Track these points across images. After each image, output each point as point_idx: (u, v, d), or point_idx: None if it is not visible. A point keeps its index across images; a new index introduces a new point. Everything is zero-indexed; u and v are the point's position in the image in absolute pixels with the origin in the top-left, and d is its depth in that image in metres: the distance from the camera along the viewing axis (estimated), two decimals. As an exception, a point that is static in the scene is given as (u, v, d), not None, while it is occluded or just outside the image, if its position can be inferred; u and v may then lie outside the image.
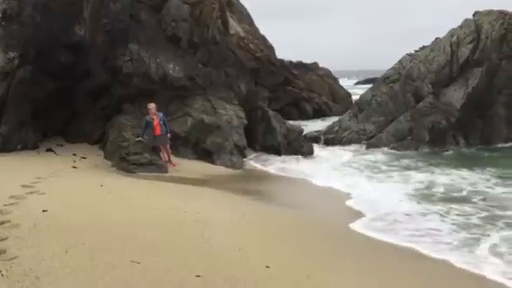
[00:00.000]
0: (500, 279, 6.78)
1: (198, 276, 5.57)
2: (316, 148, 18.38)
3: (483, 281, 6.82)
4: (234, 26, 24.09)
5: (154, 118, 13.34)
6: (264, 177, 13.93)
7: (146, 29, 15.56)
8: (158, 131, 13.33)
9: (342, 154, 18.04)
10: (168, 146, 13.64)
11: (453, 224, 9.25)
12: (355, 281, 6.47)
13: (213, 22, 16.89)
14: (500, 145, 19.28)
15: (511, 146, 19.23)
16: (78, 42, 14.69)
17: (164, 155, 13.55)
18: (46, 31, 13.92)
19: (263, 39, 28.31)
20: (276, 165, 15.46)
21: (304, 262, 6.87)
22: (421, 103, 20.01)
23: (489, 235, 8.55)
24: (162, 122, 13.38)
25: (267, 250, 7.08)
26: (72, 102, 14.95)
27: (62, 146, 14.50)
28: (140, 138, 13.32)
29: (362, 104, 22.15)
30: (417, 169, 15.14)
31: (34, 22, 13.86)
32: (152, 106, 13.42)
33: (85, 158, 13.47)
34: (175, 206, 9.16)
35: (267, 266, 6.26)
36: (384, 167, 15.58)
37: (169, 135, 13.56)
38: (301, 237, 8.20)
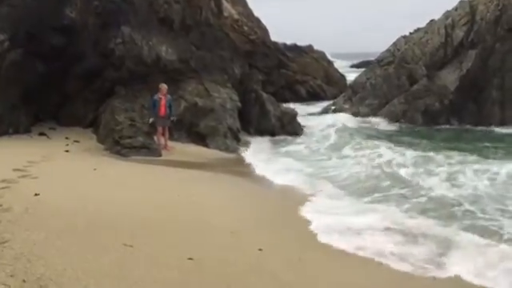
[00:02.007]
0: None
1: (191, 259, 5.59)
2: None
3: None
4: (228, 9, 23.82)
5: (162, 98, 13.47)
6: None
7: (137, 11, 15.36)
8: (162, 112, 13.48)
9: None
10: (167, 128, 13.71)
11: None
12: (344, 258, 6.53)
13: (206, 4, 16.70)
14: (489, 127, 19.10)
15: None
16: (69, 24, 14.49)
17: (159, 138, 13.51)
18: (36, 13, 13.71)
19: (257, 21, 28.02)
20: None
21: (296, 244, 6.91)
22: (415, 86, 20.01)
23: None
24: (168, 105, 13.52)
25: (260, 232, 7.11)
26: (64, 85, 14.80)
27: (54, 129, 14.40)
28: (152, 119, 13.48)
29: (357, 87, 22.13)
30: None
31: (25, 3, 13.64)
32: (164, 86, 13.59)
33: (77, 141, 13.39)
34: (168, 189, 9.17)
35: (260, 249, 6.29)
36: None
37: (173, 118, 13.70)
38: (294, 219, 8.23)
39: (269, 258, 6.13)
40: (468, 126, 18.95)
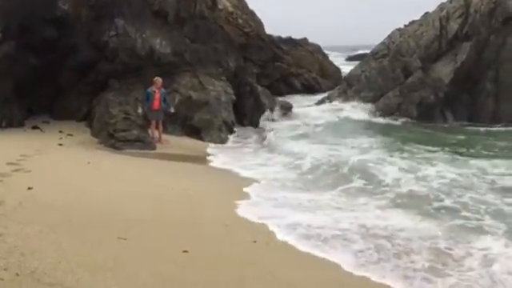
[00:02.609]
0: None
1: (186, 251, 5.58)
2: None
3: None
4: (223, 1, 23.67)
5: (156, 91, 13.42)
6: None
7: (131, 3, 15.25)
8: (156, 105, 13.45)
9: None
10: (161, 122, 13.67)
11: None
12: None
13: (200, -4, 16.61)
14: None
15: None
16: (62, 16, 14.37)
17: (153, 131, 13.48)
18: (29, 5, 13.58)
19: (252, 14, 27.88)
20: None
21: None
22: (410, 78, 19.97)
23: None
24: (162, 98, 13.49)
25: (254, 225, 7.10)
26: (57, 78, 14.71)
27: (47, 123, 14.31)
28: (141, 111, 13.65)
29: (352, 79, 22.09)
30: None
31: (17, -4, 13.50)
32: (159, 80, 13.56)
33: (71, 135, 13.32)
34: (163, 182, 9.14)
35: (254, 241, 6.29)
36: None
37: (172, 110, 13.75)
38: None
39: (263, 250, 6.14)
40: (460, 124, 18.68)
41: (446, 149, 12.86)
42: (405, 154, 12.02)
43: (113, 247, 5.43)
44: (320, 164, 10.87)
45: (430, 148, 12.91)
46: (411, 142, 13.66)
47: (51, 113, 14.84)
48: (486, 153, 12.46)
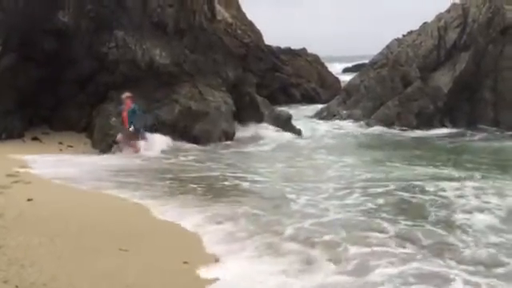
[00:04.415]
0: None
1: (186, 263, 5.57)
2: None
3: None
4: (222, 12, 23.83)
5: (125, 108, 12.70)
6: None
7: (131, 15, 15.32)
8: (125, 123, 12.70)
9: None
10: (136, 142, 12.66)
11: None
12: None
13: (199, 8, 16.69)
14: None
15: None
16: (62, 28, 14.43)
17: (125, 146, 12.69)
18: (28, 17, 13.65)
19: (250, 25, 28.09)
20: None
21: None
22: (409, 88, 20.05)
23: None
24: (130, 115, 12.57)
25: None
26: (57, 89, 14.73)
27: (47, 134, 14.32)
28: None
29: (351, 89, 22.16)
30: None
31: (17, 7, 13.57)
32: (124, 95, 12.71)
33: (71, 146, 13.33)
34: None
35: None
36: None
37: (131, 129, 12.51)
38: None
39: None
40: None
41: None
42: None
43: (114, 259, 5.41)
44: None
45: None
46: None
47: (51, 124, 14.85)
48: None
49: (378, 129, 18.92)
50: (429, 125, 19.30)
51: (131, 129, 12.60)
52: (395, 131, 18.70)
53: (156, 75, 15.20)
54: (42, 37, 14.03)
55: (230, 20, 24.93)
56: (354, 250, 6.11)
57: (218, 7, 22.08)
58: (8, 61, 13.40)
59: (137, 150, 12.73)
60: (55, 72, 14.35)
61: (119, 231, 6.42)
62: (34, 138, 13.74)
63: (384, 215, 7.60)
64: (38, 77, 14.01)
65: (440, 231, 6.90)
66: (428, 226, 7.14)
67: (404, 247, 6.27)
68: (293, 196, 8.64)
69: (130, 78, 14.90)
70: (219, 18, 21.31)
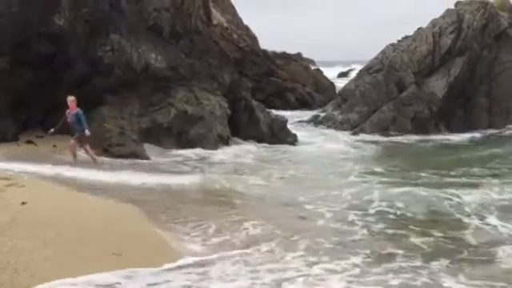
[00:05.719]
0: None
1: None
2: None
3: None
4: (218, 17, 23.90)
5: (69, 112, 12.26)
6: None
7: (127, 18, 15.29)
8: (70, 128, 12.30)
9: None
10: (86, 145, 12.20)
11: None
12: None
13: (195, 12, 16.70)
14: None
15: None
16: (57, 31, 14.38)
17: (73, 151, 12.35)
18: (23, 21, 13.60)
19: (246, 29, 28.17)
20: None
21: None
22: (404, 93, 20.14)
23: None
24: (74, 120, 12.15)
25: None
26: (52, 92, 14.64)
27: (41, 137, 14.22)
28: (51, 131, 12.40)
29: (346, 94, 22.23)
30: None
31: (11, 11, 13.52)
32: (68, 99, 12.22)
33: (66, 149, 13.24)
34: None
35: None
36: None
37: (87, 132, 11.95)
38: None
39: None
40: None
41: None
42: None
43: (107, 263, 5.37)
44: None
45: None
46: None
47: (45, 127, 14.74)
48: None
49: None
50: (424, 130, 19.37)
51: (87, 132, 12.05)
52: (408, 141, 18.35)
53: (152, 79, 15.18)
54: (37, 40, 13.97)
55: (225, 24, 24.99)
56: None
57: (214, 12, 22.15)
58: (2, 64, 13.33)
59: (95, 159, 12.23)
60: (50, 75, 14.29)
61: (112, 235, 6.38)
62: (29, 142, 13.65)
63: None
64: (33, 80, 13.93)
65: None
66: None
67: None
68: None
69: (125, 81, 14.86)
70: (215, 22, 21.37)
